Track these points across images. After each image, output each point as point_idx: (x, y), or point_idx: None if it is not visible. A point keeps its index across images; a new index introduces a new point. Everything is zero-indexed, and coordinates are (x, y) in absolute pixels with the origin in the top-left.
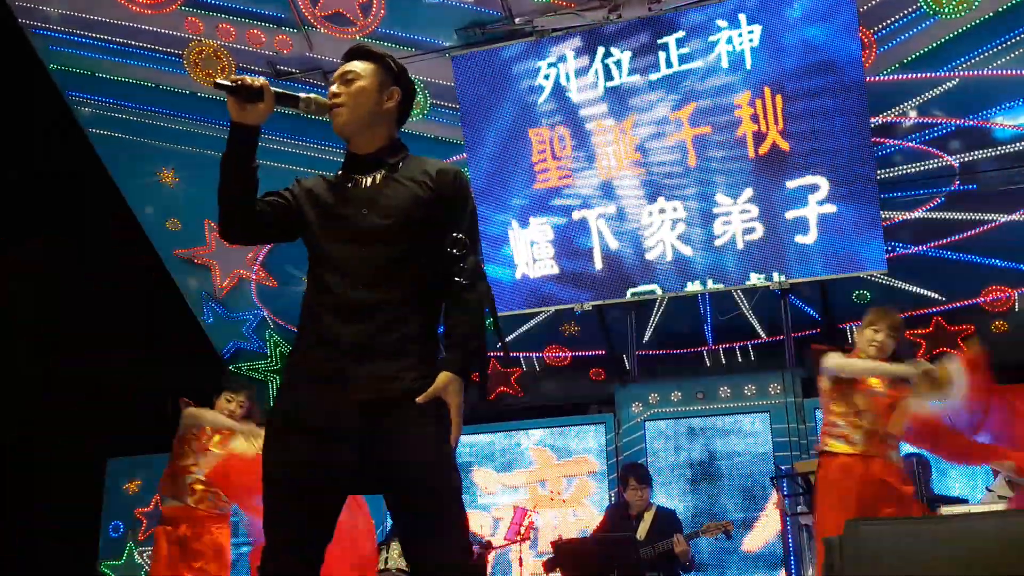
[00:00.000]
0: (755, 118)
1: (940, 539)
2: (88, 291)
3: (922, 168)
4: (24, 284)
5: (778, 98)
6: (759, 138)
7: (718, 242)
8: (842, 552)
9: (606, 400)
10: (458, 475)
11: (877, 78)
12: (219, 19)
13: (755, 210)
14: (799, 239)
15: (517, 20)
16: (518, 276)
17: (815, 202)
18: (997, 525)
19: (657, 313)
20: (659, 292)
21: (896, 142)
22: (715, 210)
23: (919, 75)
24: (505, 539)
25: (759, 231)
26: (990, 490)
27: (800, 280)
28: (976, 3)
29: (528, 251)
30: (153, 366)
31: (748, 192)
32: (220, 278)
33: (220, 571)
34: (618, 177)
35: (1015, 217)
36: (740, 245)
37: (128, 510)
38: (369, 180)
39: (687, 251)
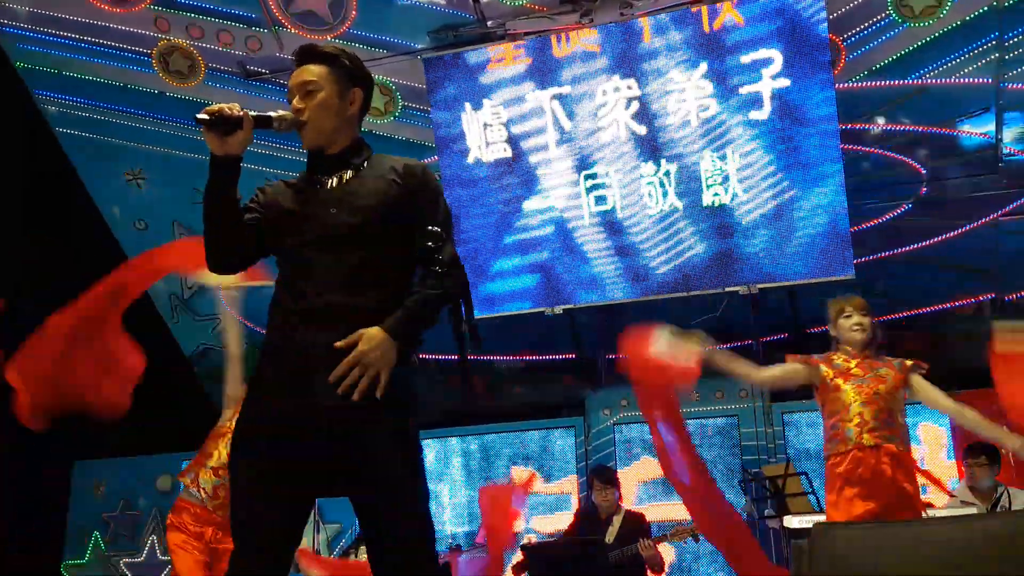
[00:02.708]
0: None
1: (908, 543)
2: (53, 291)
3: (889, 175)
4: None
5: None
6: (713, 13)
7: (672, 120)
8: (811, 555)
9: (576, 404)
10: (424, 481)
11: (846, 85)
12: (189, 19)
13: (709, 86)
14: (754, 115)
15: (489, 23)
16: (470, 160)
17: (769, 77)
18: (965, 529)
19: (628, 318)
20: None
21: (864, 149)
22: (669, 87)
23: (887, 82)
24: (475, 542)
25: (712, 108)
26: (953, 495)
27: (769, 285)
28: (944, 12)
29: (481, 134)
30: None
31: (703, 67)
32: (187, 280)
33: None
34: (570, 56)
35: (980, 224)
36: (695, 123)
37: (95, 513)
38: (335, 180)
39: (641, 130)
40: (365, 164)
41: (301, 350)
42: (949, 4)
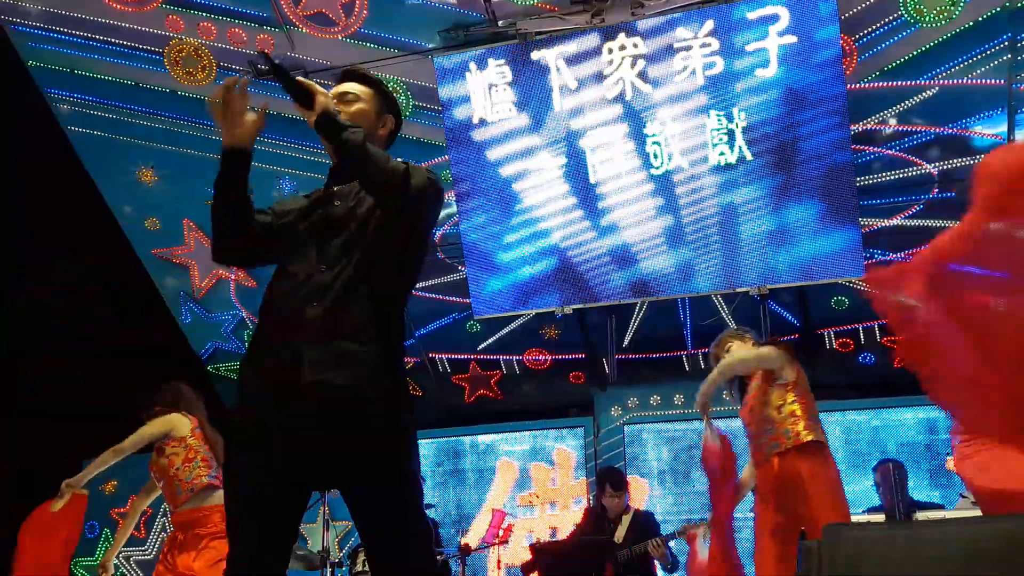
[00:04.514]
0: None
1: (919, 544)
2: (64, 289)
3: (901, 175)
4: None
5: None
6: None
7: (679, 77)
8: (821, 556)
9: (585, 404)
10: (419, 475)
11: (858, 85)
12: (200, 17)
13: (716, 43)
14: (760, 73)
15: (500, 23)
16: (475, 120)
17: (775, 33)
18: (974, 530)
19: (637, 317)
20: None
21: (876, 149)
22: (676, 45)
23: (899, 83)
24: (483, 542)
25: (719, 65)
26: (964, 496)
27: (779, 286)
28: (956, 13)
29: (486, 93)
30: (130, 366)
31: (709, 24)
32: (199, 278)
33: None
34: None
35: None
36: (701, 81)
37: (104, 510)
38: (349, 187)
39: (646, 88)
40: None
41: (293, 326)
42: (961, 5)
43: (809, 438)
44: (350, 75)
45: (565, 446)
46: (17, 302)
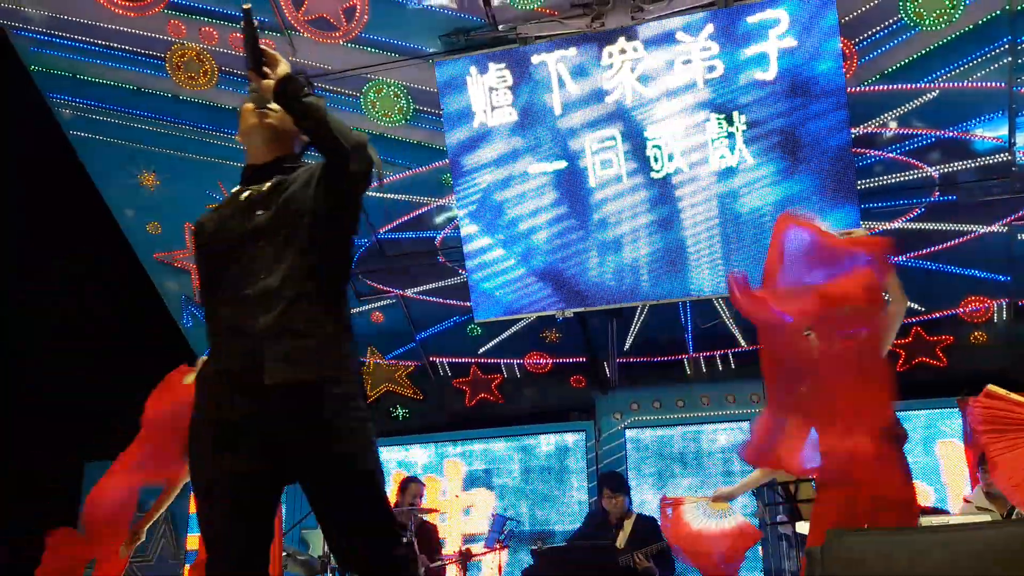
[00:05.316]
0: None
1: (923, 550)
2: (66, 293)
3: (902, 179)
4: (1, 285)
5: None
6: None
7: (678, 81)
8: (824, 563)
9: (586, 408)
10: (379, 462)
11: (858, 89)
12: (202, 22)
13: (715, 47)
14: (759, 76)
15: (500, 27)
16: (475, 124)
17: (775, 36)
18: (981, 537)
19: (638, 321)
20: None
21: (876, 153)
22: (675, 49)
23: (900, 86)
24: (484, 547)
25: (719, 68)
26: (968, 500)
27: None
28: (956, 16)
29: (486, 97)
30: (131, 369)
31: (709, 28)
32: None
33: None
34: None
35: (994, 228)
36: (700, 85)
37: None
38: (266, 185)
39: (649, 93)
40: (297, 169)
41: (246, 335)
42: (962, 8)
43: None
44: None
45: (566, 450)
46: (17, 302)
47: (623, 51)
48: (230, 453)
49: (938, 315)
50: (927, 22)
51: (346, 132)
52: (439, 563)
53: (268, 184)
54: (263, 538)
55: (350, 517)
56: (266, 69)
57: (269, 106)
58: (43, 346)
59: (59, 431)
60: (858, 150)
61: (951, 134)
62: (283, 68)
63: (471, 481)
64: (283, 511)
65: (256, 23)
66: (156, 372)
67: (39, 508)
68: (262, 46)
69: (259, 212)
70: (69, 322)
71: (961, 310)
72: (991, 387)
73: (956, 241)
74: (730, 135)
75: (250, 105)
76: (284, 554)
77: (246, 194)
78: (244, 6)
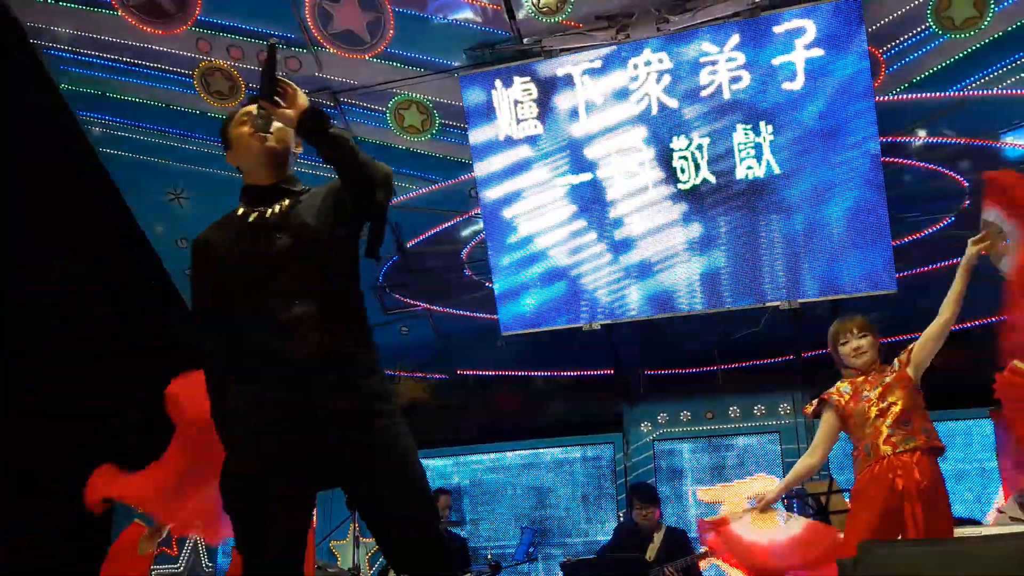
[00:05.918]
0: None
1: (955, 561)
2: (97, 309)
3: (932, 187)
4: (35, 302)
5: None
6: None
7: (705, 92)
8: (855, 573)
9: (615, 420)
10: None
11: (887, 97)
12: (229, 40)
13: (742, 57)
14: (786, 86)
15: (525, 40)
16: (500, 137)
17: (802, 46)
18: (1012, 546)
19: (666, 332)
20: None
21: (905, 161)
22: (701, 59)
23: (928, 95)
24: (514, 560)
25: (746, 79)
26: (1001, 511)
27: (810, 300)
28: (985, 23)
29: (511, 110)
30: (131, 369)
31: (735, 39)
32: None
33: None
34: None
35: None
36: (727, 95)
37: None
38: (277, 208)
39: (672, 103)
40: (305, 194)
41: (285, 364)
42: (990, 15)
43: None
44: (256, 101)
45: (595, 462)
46: (17, 302)
47: (648, 62)
48: (275, 478)
49: (967, 325)
50: (955, 30)
51: (373, 164)
52: (468, 575)
53: (278, 207)
54: (301, 551)
55: (398, 517)
56: (278, 99)
57: (270, 130)
58: (43, 346)
59: (59, 431)
60: (887, 159)
61: (980, 142)
62: (302, 100)
63: (494, 493)
64: (315, 523)
65: (277, 48)
66: (156, 372)
67: (39, 508)
68: (280, 76)
69: (279, 236)
70: (69, 322)
71: (991, 320)
72: (1017, 363)
73: None
74: (757, 146)
75: (248, 129)
76: (315, 567)
77: (253, 215)
78: (270, 40)
